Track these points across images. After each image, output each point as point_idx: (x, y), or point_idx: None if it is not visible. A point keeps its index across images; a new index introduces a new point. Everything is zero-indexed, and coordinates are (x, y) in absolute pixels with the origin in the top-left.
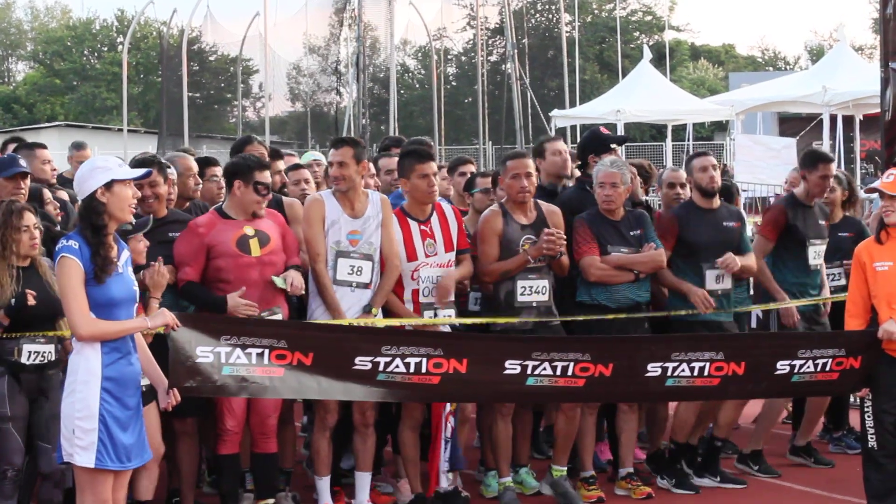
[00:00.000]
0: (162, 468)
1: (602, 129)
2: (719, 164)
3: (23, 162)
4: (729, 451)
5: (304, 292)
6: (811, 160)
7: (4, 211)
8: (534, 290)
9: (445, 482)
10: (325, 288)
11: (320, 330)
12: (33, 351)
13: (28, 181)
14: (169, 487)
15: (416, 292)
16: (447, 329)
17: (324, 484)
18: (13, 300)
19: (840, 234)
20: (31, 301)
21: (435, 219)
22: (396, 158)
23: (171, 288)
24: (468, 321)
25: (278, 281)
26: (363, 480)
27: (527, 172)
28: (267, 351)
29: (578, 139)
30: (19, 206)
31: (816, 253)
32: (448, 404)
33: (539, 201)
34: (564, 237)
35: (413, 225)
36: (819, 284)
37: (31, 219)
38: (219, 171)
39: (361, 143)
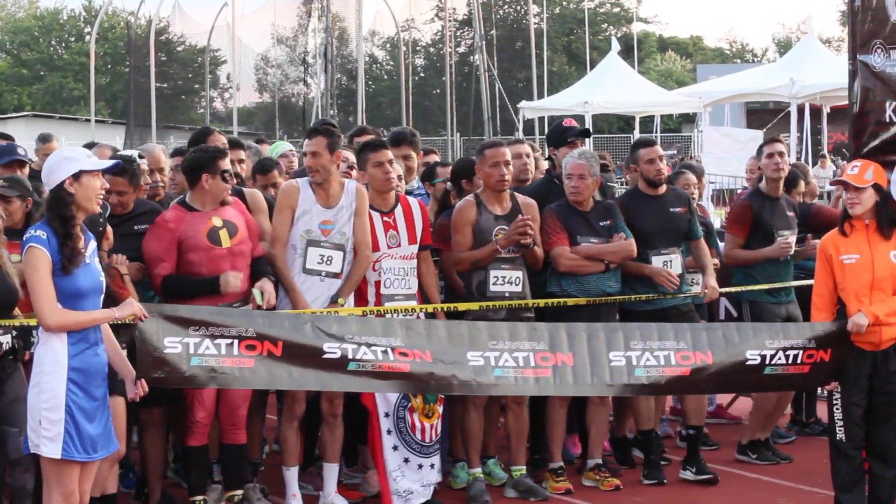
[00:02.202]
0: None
1: (566, 121)
2: (688, 156)
3: (21, 150)
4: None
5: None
6: (759, 148)
7: None
8: (506, 281)
9: (402, 501)
10: (280, 272)
11: (285, 318)
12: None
13: (26, 170)
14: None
15: (378, 283)
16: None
17: (292, 475)
18: None
19: None
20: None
21: (399, 210)
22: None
23: (138, 284)
24: (435, 306)
25: (256, 294)
26: (330, 472)
27: (505, 161)
28: (236, 341)
29: (546, 130)
30: None
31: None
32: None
33: (515, 193)
34: (533, 224)
35: (375, 216)
36: (791, 272)
37: None
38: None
39: (336, 132)
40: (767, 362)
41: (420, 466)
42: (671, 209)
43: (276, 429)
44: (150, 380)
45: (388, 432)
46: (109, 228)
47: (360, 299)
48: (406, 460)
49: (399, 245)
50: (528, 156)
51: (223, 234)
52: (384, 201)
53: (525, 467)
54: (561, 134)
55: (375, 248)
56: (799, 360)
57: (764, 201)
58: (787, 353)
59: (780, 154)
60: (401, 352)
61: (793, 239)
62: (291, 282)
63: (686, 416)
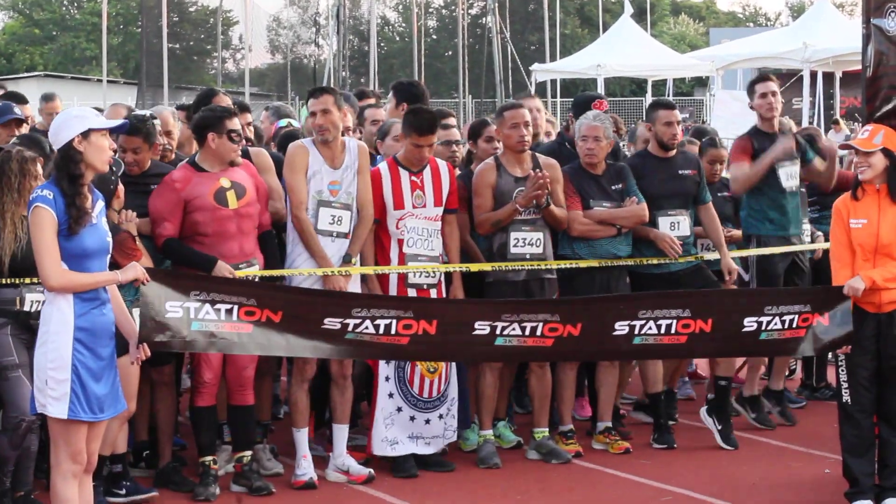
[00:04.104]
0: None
1: (599, 104)
2: (699, 120)
3: (17, 109)
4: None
5: None
6: (750, 87)
7: (19, 160)
8: (527, 242)
9: (386, 447)
10: (310, 236)
11: (291, 292)
12: (35, 300)
13: (24, 129)
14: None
15: (401, 242)
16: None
17: (302, 436)
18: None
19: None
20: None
21: (427, 172)
22: (382, 109)
23: (151, 240)
24: (452, 267)
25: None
26: (341, 433)
27: (525, 122)
28: (236, 307)
29: (559, 93)
30: (31, 154)
31: (788, 174)
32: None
33: (537, 154)
34: (553, 184)
35: (404, 174)
36: (798, 206)
37: (39, 168)
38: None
39: (337, 90)
40: (763, 328)
41: (412, 419)
42: (680, 171)
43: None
44: (152, 344)
45: (387, 379)
46: (121, 187)
47: (384, 258)
48: (399, 409)
49: (424, 206)
50: (538, 111)
51: (230, 195)
52: (412, 161)
53: (548, 430)
54: (588, 106)
55: (400, 206)
56: (794, 325)
57: (761, 136)
58: (784, 318)
59: (773, 93)
60: (405, 323)
61: (794, 169)
62: (319, 248)
63: (715, 366)
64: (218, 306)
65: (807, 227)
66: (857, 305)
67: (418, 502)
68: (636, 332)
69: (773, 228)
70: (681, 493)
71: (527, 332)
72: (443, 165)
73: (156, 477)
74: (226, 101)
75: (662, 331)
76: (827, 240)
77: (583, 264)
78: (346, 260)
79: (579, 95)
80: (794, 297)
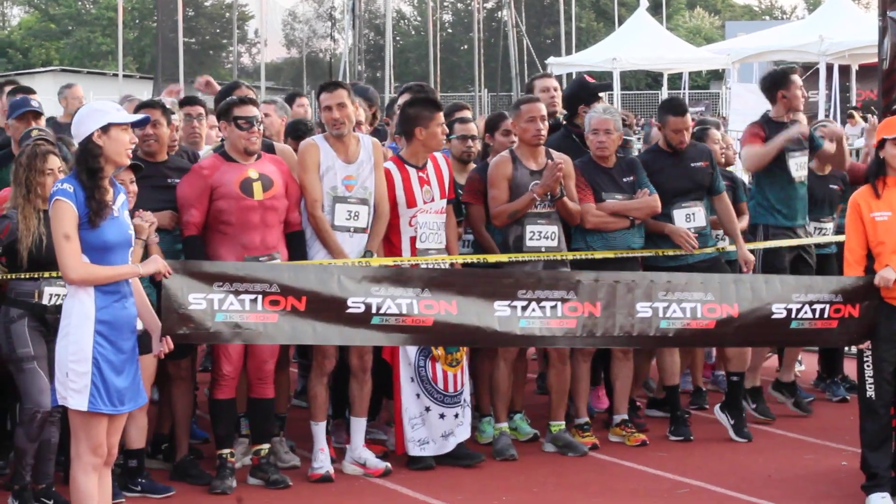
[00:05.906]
0: (150, 412)
1: (587, 77)
2: (715, 114)
3: (34, 102)
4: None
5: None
6: (782, 79)
7: (29, 154)
8: (542, 236)
9: (416, 448)
10: (326, 233)
11: (311, 272)
12: (54, 293)
13: (42, 121)
14: (157, 432)
15: (413, 239)
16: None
17: (320, 429)
18: (36, 243)
19: (830, 187)
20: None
21: (430, 166)
22: None
23: (168, 233)
24: (465, 259)
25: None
26: (359, 426)
27: (541, 116)
28: (260, 297)
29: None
30: (44, 149)
31: (798, 164)
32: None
33: (549, 150)
34: (564, 180)
35: (412, 172)
36: (805, 197)
37: (55, 162)
38: (195, 109)
39: (348, 84)
40: (794, 316)
41: (442, 416)
42: (692, 164)
43: (296, 381)
44: (175, 336)
45: (411, 380)
46: (134, 187)
47: (395, 254)
48: (427, 409)
49: (433, 200)
50: (555, 89)
51: (257, 186)
52: (419, 158)
53: (564, 423)
54: (592, 91)
55: (413, 203)
56: (826, 315)
57: (772, 125)
58: (814, 306)
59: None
60: (426, 303)
61: (804, 160)
62: (336, 244)
63: (727, 362)
64: (242, 296)
65: (828, 223)
66: (884, 300)
67: (435, 495)
68: (661, 314)
69: (780, 219)
70: (697, 486)
71: (548, 314)
72: (439, 157)
73: (172, 470)
74: (247, 93)
75: (688, 314)
76: (839, 231)
77: (598, 255)
78: (368, 256)
79: (575, 87)
80: (823, 286)
